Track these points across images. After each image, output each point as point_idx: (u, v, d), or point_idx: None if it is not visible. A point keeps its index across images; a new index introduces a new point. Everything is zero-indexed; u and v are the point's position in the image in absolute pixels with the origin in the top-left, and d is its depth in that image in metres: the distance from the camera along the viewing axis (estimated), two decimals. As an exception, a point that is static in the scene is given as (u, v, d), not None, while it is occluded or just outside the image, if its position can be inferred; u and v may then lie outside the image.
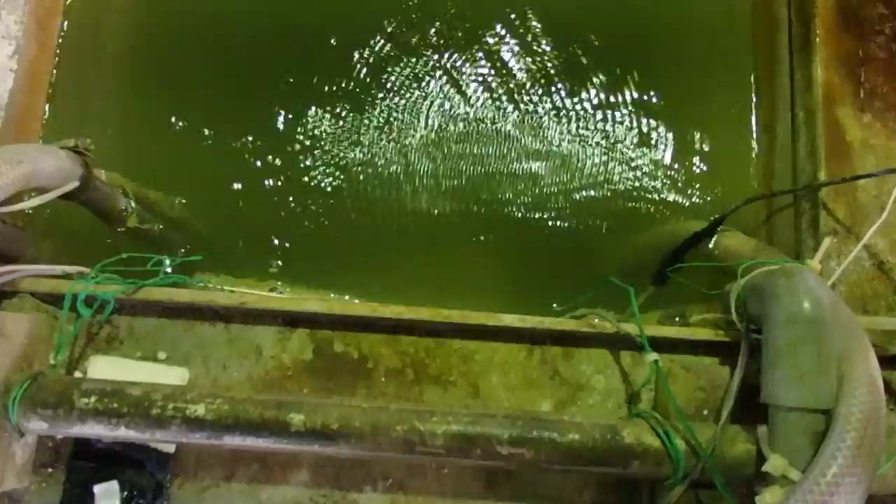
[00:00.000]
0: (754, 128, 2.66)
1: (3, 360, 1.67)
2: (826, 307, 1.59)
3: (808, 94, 2.21)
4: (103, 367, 1.86)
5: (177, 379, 1.88)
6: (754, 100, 2.68)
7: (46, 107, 2.54)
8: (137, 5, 2.86)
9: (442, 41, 2.91)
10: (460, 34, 2.92)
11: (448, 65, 2.90)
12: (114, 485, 1.78)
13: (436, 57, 2.90)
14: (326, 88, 2.85)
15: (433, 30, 2.91)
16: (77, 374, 1.87)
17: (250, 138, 2.79)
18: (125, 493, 1.79)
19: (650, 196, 2.81)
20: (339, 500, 1.85)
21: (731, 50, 2.78)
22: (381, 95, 2.86)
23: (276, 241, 2.73)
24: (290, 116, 2.82)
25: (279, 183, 2.77)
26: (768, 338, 1.63)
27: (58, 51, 2.59)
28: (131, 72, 2.81)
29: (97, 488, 1.77)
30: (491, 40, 2.92)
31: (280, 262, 2.69)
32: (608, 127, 2.84)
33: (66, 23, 2.62)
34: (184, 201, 2.69)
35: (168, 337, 1.94)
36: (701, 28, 2.89)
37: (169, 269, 2.24)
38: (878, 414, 1.50)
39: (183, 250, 2.61)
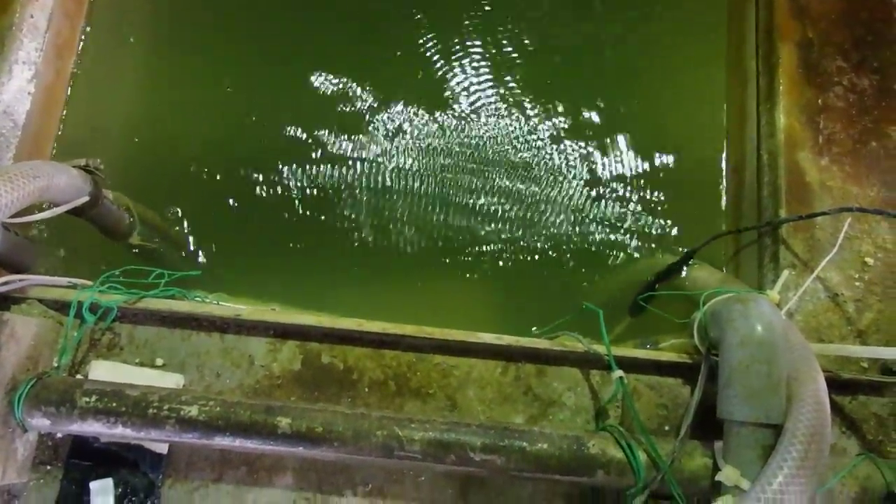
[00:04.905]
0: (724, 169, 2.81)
1: (12, 360, 1.77)
2: (777, 331, 1.72)
3: (771, 139, 2.36)
4: (103, 372, 1.95)
5: (172, 384, 1.97)
6: (726, 143, 2.84)
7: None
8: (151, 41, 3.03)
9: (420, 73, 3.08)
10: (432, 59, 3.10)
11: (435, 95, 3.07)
12: (108, 482, 1.87)
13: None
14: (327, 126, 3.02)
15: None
16: (78, 378, 1.96)
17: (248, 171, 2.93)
18: (119, 490, 1.87)
19: (628, 230, 2.95)
20: (322, 503, 1.94)
21: (706, 98, 2.94)
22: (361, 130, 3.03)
23: (270, 262, 2.85)
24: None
25: (273, 207, 2.91)
26: (724, 358, 1.76)
27: (72, 79, 2.73)
28: (142, 99, 2.96)
29: (93, 485, 1.86)
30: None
31: (273, 282, 2.80)
32: (590, 165, 3.00)
33: (83, 49, 2.77)
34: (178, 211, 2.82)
35: (166, 345, 2.03)
36: (679, 79, 3.07)
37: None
38: (823, 431, 1.62)
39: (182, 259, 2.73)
